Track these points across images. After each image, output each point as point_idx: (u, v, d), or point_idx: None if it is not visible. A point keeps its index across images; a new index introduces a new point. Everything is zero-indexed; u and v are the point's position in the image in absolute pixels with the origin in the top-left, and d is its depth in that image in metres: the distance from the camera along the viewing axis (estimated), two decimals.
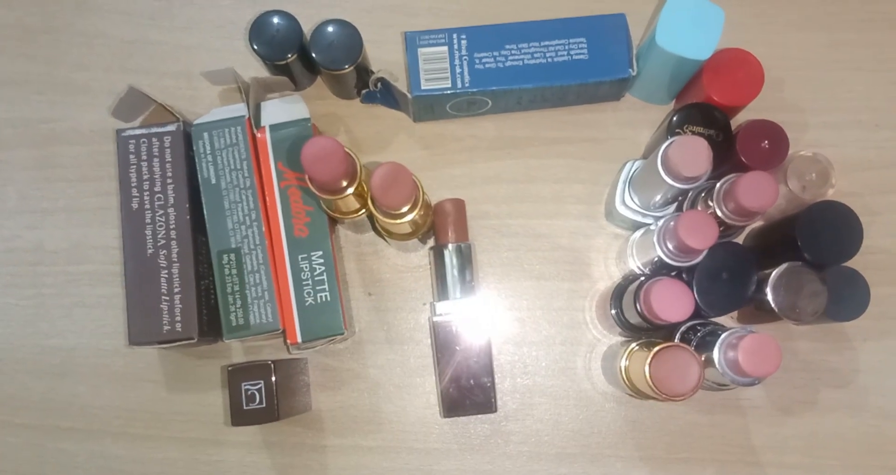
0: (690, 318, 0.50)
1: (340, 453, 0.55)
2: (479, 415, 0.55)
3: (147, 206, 0.52)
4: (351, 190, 0.47)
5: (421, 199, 0.47)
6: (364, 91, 0.58)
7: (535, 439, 0.56)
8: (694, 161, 0.46)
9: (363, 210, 0.51)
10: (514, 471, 0.55)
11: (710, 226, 0.46)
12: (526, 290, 0.57)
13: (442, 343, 0.52)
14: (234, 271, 0.52)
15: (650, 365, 0.46)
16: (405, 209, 0.46)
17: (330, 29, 0.54)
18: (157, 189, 0.52)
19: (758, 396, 0.56)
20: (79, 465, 0.56)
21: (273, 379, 0.48)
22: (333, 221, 0.55)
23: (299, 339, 0.51)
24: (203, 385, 0.56)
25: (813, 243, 0.51)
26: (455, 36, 0.55)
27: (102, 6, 0.62)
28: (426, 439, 0.56)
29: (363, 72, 0.56)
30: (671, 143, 0.46)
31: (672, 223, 0.47)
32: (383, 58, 0.58)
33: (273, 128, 0.54)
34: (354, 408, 0.56)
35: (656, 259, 0.50)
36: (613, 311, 0.52)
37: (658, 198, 0.51)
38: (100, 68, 0.61)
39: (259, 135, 0.54)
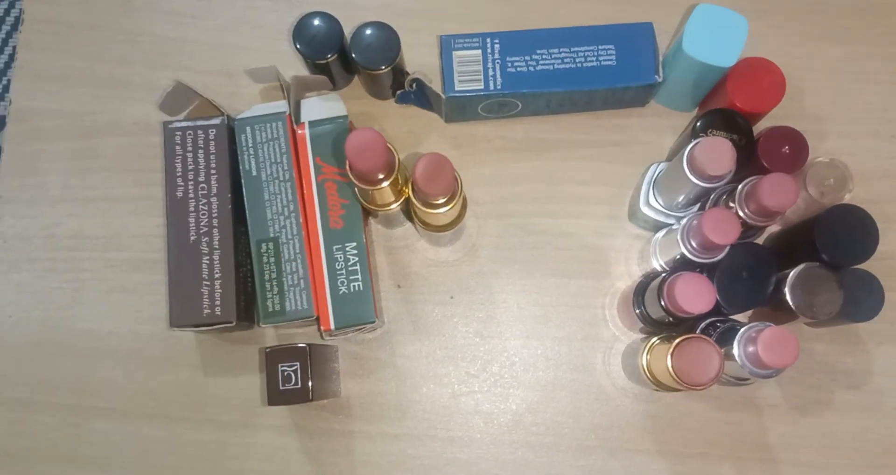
0: (710, 315, 0.52)
1: (367, 439, 0.57)
2: (503, 407, 0.57)
3: (191, 195, 0.54)
4: (387, 182, 0.49)
5: (459, 192, 0.49)
6: (399, 91, 0.60)
7: (555, 431, 0.57)
8: (719, 161, 0.48)
9: (397, 203, 0.53)
10: (534, 461, 0.57)
11: (733, 222, 0.47)
12: (550, 287, 0.59)
13: None
14: (271, 259, 0.54)
15: (672, 356, 0.48)
16: (443, 200, 0.48)
17: (369, 31, 0.56)
18: (200, 179, 0.54)
19: (774, 395, 0.57)
20: (113, 445, 0.57)
21: (308, 361, 0.50)
22: (367, 215, 0.57)
23: (332, 326, 0.53)
24: (237, 369, 0.58)
25: (830, 245, 0.52)
26: (489, 40, 0.58)
27: (146, 5, 0.65)
28: (450, 428, 0.57)
29: (399, 73, 0.58)
30: (697, 143, 0.48)
31: (696, 221, 0.49)
32: (417, 60, 0.61)
33: (312, 124, 0.56)
34: (382, 396, 0.57)
35: (679, 256, 0.52)
36: (637, 310, 0.54)
37: (682, 198, 0.53)
38: (142, 64, 0.64)
39: (299, 130, 0.56)
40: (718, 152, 0.47)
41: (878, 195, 0.59)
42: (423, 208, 0.49)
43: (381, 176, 0.49)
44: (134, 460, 0.57)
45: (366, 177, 0.48)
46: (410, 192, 0.49)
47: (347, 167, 0.48)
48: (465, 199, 0.53)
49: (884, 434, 0.57)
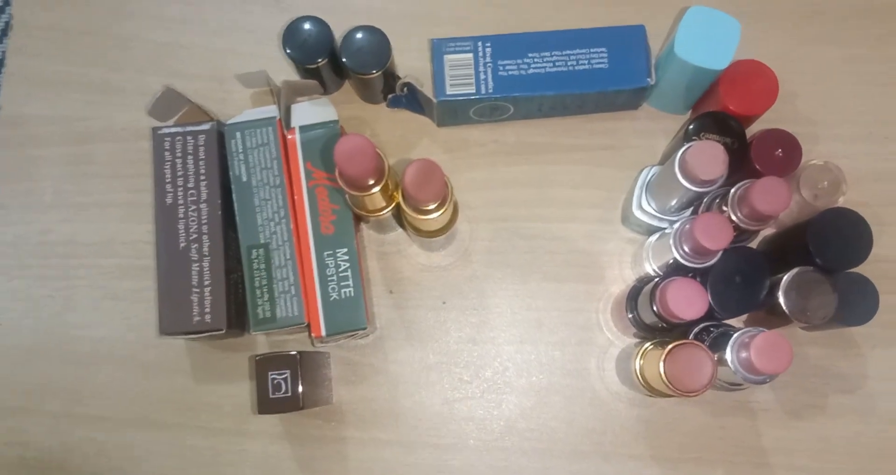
0: (703, 320, 0.52)
1: (359, 445, 0.57)
2: (496, 413, 0.57)
3: (181, 202, 0.54)
4: (377, 188, 0.49)
5: (450, 198, 0.49)
6: (390, 96, 0.60)
7: (549, 437, 0.57)
8: (711, 165, 0.47)
9: (388, 208, 0.53)
10: (528, 467, 0.56)
11: (725, 227, 0.47)
12: (543, 292, 0.59)
13: None
14: (262, 266, 0.54)
15: (665, 362, 0.47)
16: (434, 206, 0.48)
17: (360, 35, 0.56)
18: (190, 185, 0.54)
19: (768, 400, 0.57)
20: (105, 453, 0.57)
21: (299, 369, 0.50)
22: (358, 220, 0.56)
23: (323, 333, 0.53)
24: (228, 377, 0.57)
25: (824, 248, 0.52)
26: (480, 43, 0.57)
27: (137, 10, 0.64)
28: (443, 435, 0.57)
29: (390, 77, 0.58)
30: (689, 147, 0.48)
31: (688, 225, 0.48)
32: (408, 64, 0.60)
33: (303, 129, 0.56)
34: (374, 402, 0.57)
35: (672, 261, 0.51)
36: (630, 315, 0.54)
37: (674, 202, 0.52)
38: (134, 70, 0.64)
39: (289, 135, 0.56)
40: (710, 156, 0.47)
41: (871, 198, 0.59)
42: (414, 214, 0.49)
43: (371, 182, 0.49)
44: (126, 468, 0.57)
45: (356, 183, 0.48)
46: (401, 199, 0.49)
47: (337, 173, 0.48)
48: (456, 204, 0.52)
49: (877, 438, 0.57)
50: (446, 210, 0.49)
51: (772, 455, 0.56)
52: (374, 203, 0.51)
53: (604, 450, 0.57)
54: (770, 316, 0.54)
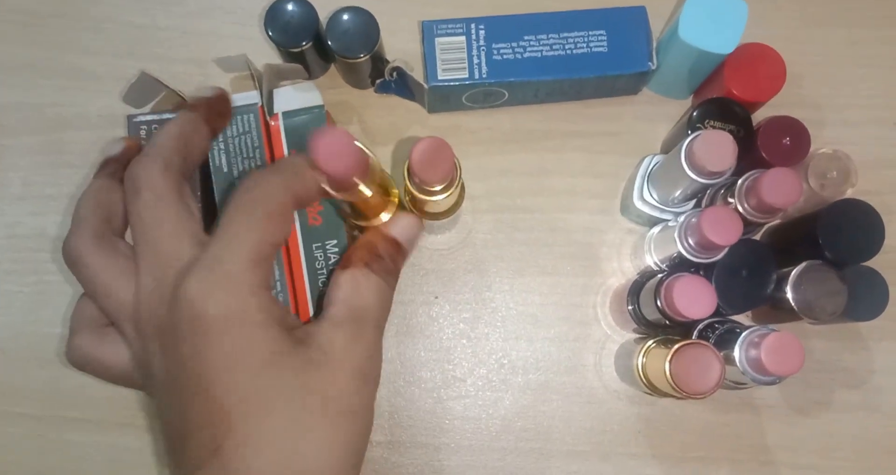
0: (708, 316, 0.49)
1: None
2: (491, 412, 0.55)
3: None
4: (368, 190, 0.45)
5: (458, 179, 0.46)
6: (379, 81, 0.57)
7: (546, 436, 0.55)
8: (719, 156, 0.45)
9: (386, 208, 0.49)
10: (525, 467, 0.54)
11: (735, 222, 0.45)
12: (540, 286, 0.57)
13: None
14: None
15: (671, 362, 0.45)
16: (440, 187, 0.45)
17: (346, 16, 0.53)
18: None
19: (772, 396, 0.55)
20: (84, 456, 0.55)
21: None
22: None
23: None
24: None
25: (834, 242, 0.50)
26: (473, 26, 0.54)
27: None
28: (436, 434, 0.55)
29: (379, 61, 0.55)
30: (696, 137, 0.46)
31: (695, 219, 0.46)
32: (398, 47, 0.58)
33: (286, 115, 0.53)
34: None
35: (676, 255, 0.49)
36: (630, 307, 0.51)
37: (678, 193, 0.50)
38: (108, 53, 0.60)
39: (272, 122, 0.53)
40: (719, 147, 0.45)
41: (881, 186, 0.57)
42: (420, 195, 0.45)
43: (357, 180, 0.45)
44: (106, 472, 0.54)
45: (342, 185, 0.44)
46: (406, 176, 0.45)
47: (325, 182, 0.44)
48: (463, 186, 0.49)
49: (885, 434, 0.55)
50: (452, 192, 0.46)
51: (776, 452, 0.55)
52: (369, 208, 0.48)
53: (603, 449, 0.55)
54: (776, 311, 0.52)
